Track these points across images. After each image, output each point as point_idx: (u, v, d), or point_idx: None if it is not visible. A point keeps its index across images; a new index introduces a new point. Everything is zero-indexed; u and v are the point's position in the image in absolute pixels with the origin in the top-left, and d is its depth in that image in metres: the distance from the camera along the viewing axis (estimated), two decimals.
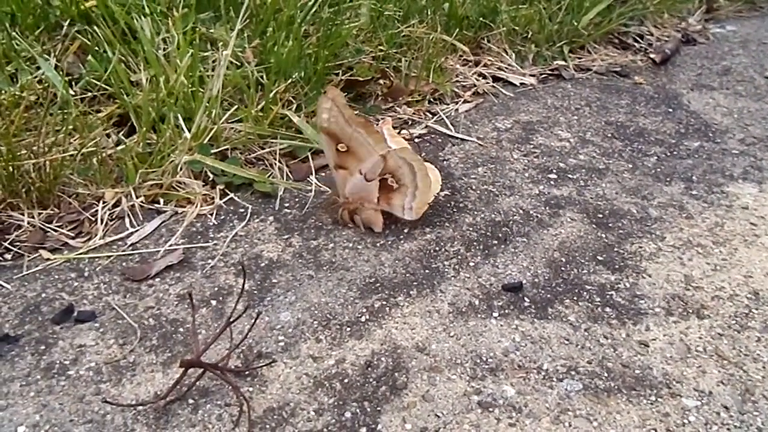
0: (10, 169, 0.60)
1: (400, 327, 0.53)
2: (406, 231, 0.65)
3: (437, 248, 0.62)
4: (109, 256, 0.60)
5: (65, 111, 0.67)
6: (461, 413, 0.46)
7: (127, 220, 0.64)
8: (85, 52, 0.77)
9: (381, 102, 0.89)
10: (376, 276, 0.58)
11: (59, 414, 0.44)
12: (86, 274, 0.58)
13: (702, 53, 1.22)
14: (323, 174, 0.73)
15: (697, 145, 0.85)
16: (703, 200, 0.73)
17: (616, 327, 0.54)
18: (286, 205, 0.68)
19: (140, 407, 0.45)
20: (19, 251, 0.59)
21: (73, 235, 0.62)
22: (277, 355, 0.50)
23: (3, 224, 0.61)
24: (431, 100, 0.92)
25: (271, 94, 0.76)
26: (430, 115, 0.89)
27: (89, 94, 0.74)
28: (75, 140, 0.67)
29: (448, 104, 0.92)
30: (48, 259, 0.59)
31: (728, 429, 0.45)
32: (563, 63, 1.07)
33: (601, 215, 0.69)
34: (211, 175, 0.69)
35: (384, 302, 0.55)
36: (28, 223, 0.61)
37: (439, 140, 0.83)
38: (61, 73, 0.72)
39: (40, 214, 0.62)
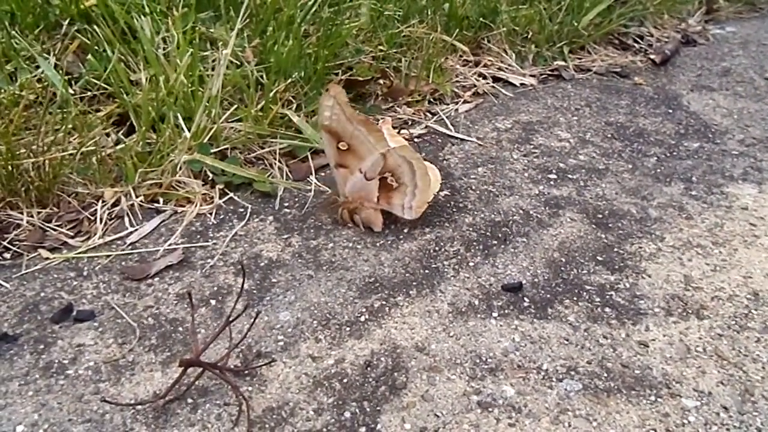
0: (10, 168, 0.60)
1: (400, 327, 0.53)
2: (405, 231, 0.65)
3: (437, 248, 0.62)
4: (108, 256, 0.59)
5: (65, 110, 0.67)
6: (461, 413, 0.45)
7: (126, 219, 0.64)
8: (84, 51, 0.77)
9: (381, 102, 0.89)
10: (375, 276, 0.58)
11: (58, 413, 0.44)
12: (85, 273, 0.57)
13: (702, 54, 1.22)
14: (323, 174, 0.73)
15: (696, 146, 0.85)
16: (702, 201, 0.73)
17: (616, 327, 0.54)
18: (286, 204, 0.68)
19: (139, 406, 0.45)
20: (18, 250, 0.59)
21: (72, 234, 0.62)
22: (276, 354, 0.50)
23: (2, 223, 0.61)
24: (431, 100, 0.92)
25: (271, 94, 0.76)
26: (430, 115, 0.89)
27: (89, 93, 0.74)
28: (74, 139, 0.67)
29: (447, 104, 0.92)
30: (47, 258, 0.58)
31: (728, 429, 0.45)
32: (563, 63, 1.07)
33: (600, 215, 0.69)
34: (211, 175, 0.69)
35: (383, 302, 0.55)
36: (28, 222, 0.61)
37: (439, 140, 0.83)
38: (60, 72, 0.72)
39: (39, 213, 0.62)
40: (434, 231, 0.65)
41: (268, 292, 0.56)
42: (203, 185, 0.68)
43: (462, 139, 0.83)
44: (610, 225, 0.67)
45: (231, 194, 0.69)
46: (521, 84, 1.00)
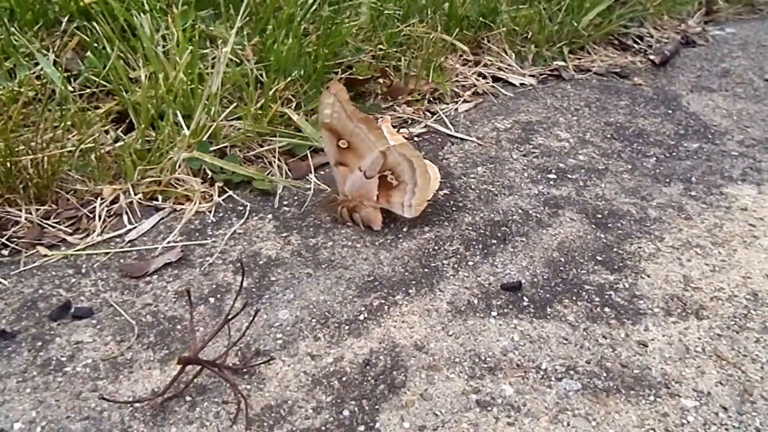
0: (8, 164, 0.60)
1: (399, 326, 0.53)
2: (405, 230, 0.65)
3: (436, 247, 0.62)
4: (106, 253, 0.59)
5: (64, 107, 0.67)
6: (460, 412, 0.45)
7: (125, 216, 0.63)
8: (84, 48, 0.77)
9: (380, 101, 0.89)
10: (374, 274, 0.58)
11: (56, 410, 0.44)
12: (84, 270, 0.57)
13: (701, 55, 1.22)
14: (322, 172, 0.73)
15: (696, 147, 0.86)
16: (702, 201, 0.73)
17: (615, 327, 0.54)
18: (285, 203, 0.68)
19: (137, 404, 0.45)
20: (16, 247, 0.59)
21: (70, 231, 0.61)
22: (275, 352, 0.50)
23: (1, 220, 0.61)
24: (431, 99, 0.92)
25: (271, 92, 0.75)
26: (430, 115, 0.89)
27: (88, 90, 0.74)
28: (73, 136, 0.67)
29: (447, 104, 0.92)
30: (45, 256, 0.58)
31: (727, 429, 0.45)
32: (563, 63, 1.07)
33: (600, 215, 0.69)
34: (210, 173, 0.69)
35: (383, 301, 0.55)
36: (26, 219, 0.61)
37: (439, 140, 0.83)
38: (59, 69, 0.72)
39: (37, 210, 0.62)
40: (434, 230, 0.65)
41: (267, 290, 0.56)
42: (202, 183, 0.68)
43: (462, 139, 0.83)
44: (609, 225, 0.67)
45: (230, 192, 0.68)
46: (521, 84, 1.00)
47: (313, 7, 0.86)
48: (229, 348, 0.47)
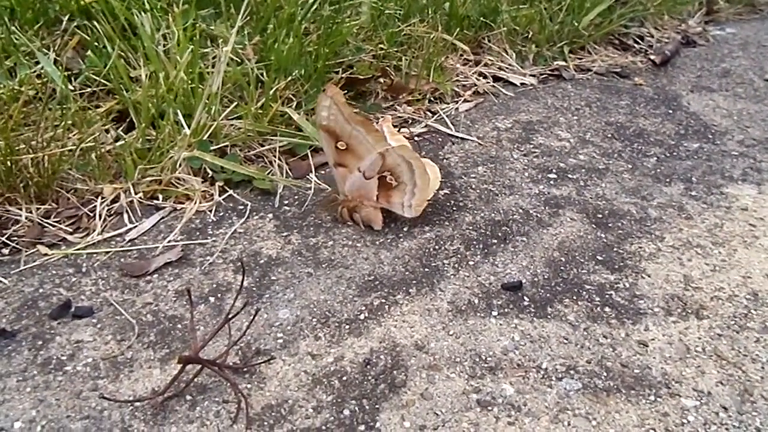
0: (9, 163, 0.60)
1: (399, 325, 0.53)
2: (405, 229, 0.65)
3: (437, 247, 0.62)
4: (107, 252, 0.59)
5: (64, 106, 0.67)
6: (460, 412, 0.45)
7: (125, 215, 0.63)
8: (84, 47, 0.77)
9: (381, 100, 0.89)
10: (375, 274, 0.58)
11: (56, 410, 0.44)
12: (84, 269, 0.57)
13: (702, 55, 1.22)
14: (323, 172, 0.73)
15: (696, 147, 0.86)
16: (702, 201, 0.73)
17: (616, 327, 0.54)
18: (286, 202, 0.68)
19: (137, 403, 0.45)
20: (16, 246, 0.59)
21: (71, 230, 0.61)
22: (275, 352, 0.50)
23: (1, 219, 0.61)
24: (431, 99, 0.92)
25: (271, 92, 0.75)
26: (430, 114, 0.89)
27: (88, 89, 0.74)
28: (74, 135, 0.67)
29: (448, 103, 0.92)
30: (46, 255, 0.58)
31: (727, 429, 0.45)
32: (563, 63, 1.07)
33: (600, 215, 0.69)
34: (210, 172, 0.69)
35: (383, 300, 0.55)
36: (26, 218, 0.61)
37: (439, 139, 0.83)
38: (60, 68, 0.72)
39: (38, 209, 0.62)
40: (434, 230, 0.65)
41: (268, 289, 0.56)
42: (203, 182, 0.68)
43: (462, 138, 0.83)
44: (609, 225, 0.67)
45: (230, 191, 0.68)
46: (521, 84, 1.00)
47: (314, 7, 0.86)
48: (229, 347, 0.47)
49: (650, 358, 0.51)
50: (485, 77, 1.00)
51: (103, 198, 0.64)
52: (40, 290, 0.55)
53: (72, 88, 0.71)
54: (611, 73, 1.09)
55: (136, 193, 0.65)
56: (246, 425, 0.43)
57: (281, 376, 0.48)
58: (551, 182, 0.75)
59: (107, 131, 0.71)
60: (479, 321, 0.54)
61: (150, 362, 0.48)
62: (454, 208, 0.68)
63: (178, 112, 0.71)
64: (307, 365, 0.49)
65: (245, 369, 0.48)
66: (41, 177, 0.62)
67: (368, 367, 0.49)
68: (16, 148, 0.61)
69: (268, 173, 0.71)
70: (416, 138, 0.82)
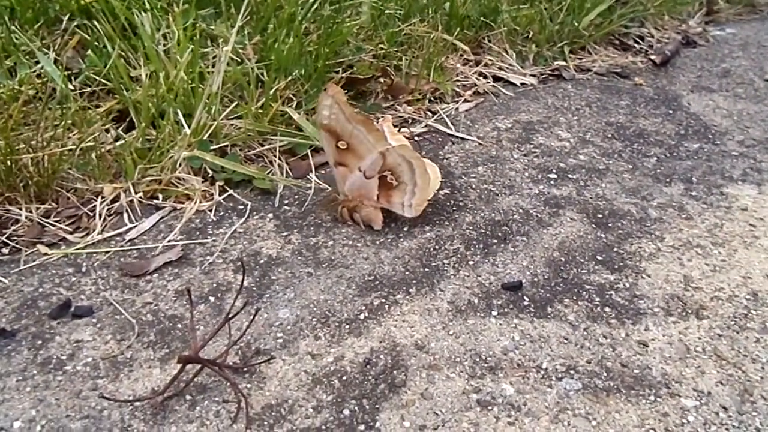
0: (9, 163, 0.60)
1: (399, 325, 0.53)
2: (405, 229, 0.65)
3: (437, 246, 0.62)
4: (107, 252, 0.59)
5: (64, 106, 0.67)
6: (460, 411, 0.45)
7: (125, 215, 0.63)
8: (84, 47, 0.77)
9: (381, 100, 0.89)
10: (375, 274, 0.58)
11: (56, 409, 0.44)
12: (84, 269, 0.57)
13: (702, 55, 1.22)
14: (323, 171, 0.73)
15: (696, 147, 0.86)
16: (702, 201, 0.73)
17: (616, 327, 0.54)
18: (286, 202, 0.68)
19: (137, 403, 0.45)
20: (16, 246, 0.59)
21: (71, 230, 0.61)
22: (275, 351, 0.50)
23: (1, 218, 0.61)
24: (431, 99, 0.92)
25: (272, 91, 0.75)
26: (431, 114, 0.89)
27: (88, 89, 0.74)
28: (74, 135, 0.67)
29: (448, 103, 0.92)
30: (45, 254, 0.58)
31: (727, 429, 0.45)
32: (564, 63, 1.07)
33: (600, 215, 0.69)
34: (211, 172, 0.69)
35: (383, 300, 0.55)
36: (26, 217, 0.61)
37: (440, 139, 0.83)
38: (60, 67, 0.72)
39: (38, 208, 0.62)
40: (434, 229, 0.65)
41: (268, 289, 0.56)
42: (203, 182, 0.68)
43: (462, 138, 0.83)
44: (610, 225, 0.67)
45: (231, 191, 0.68)
46: (522, 84, 1.00)
47: (314, 7, 0.86)
48: (229, 347, 0.47)
49: (650, 358, 0.51)
50: (485, 77, 1.00)
51: (103, 198, 0.64)
52: (40, 290, 0.55)
53: (72, 88, 0.71)
54: (611, 74, 1.09)
55: (136, 193, 0.65)
56: (246, 425, 0.43)
57: (281, 376, 0.48)
58: (551, 182, 0.75)
59: (107, 131, 0.71)
60: (479, 321, 0.54)
61: (150, 362, 0.48)
62: (454, 208, 0.68)
63: (179, 111, 0.71)
64: (307, 365, 0.49)
65: (245, 369, 0.48)
66: (41, 176, 0.62)
67: (368, 366, 0.49)
68: (16, 147, 0.61)
69: (269, 173, 0.71)
70: (416, 138, 0.82)
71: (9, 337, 0.50)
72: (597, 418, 0.45)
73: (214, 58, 0.78)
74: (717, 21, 1.43)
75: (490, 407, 0.46)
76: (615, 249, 0.64)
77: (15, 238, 0.59)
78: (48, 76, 0.70)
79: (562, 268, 0.61)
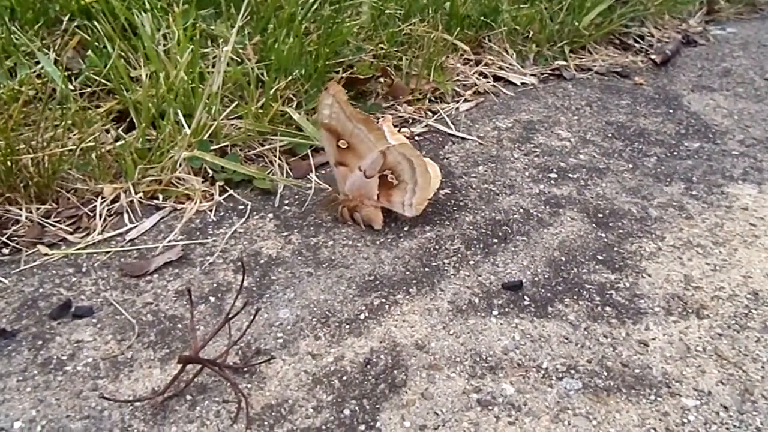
0: (9, 163, 0.60)
1: (400, 325, 0.53)
2: (405, 229, 0.65)
3: (437, 246, 0.62)
4: (107, 252, 0.59)
5: (64, 106, 0.67)
6: (460, 411, 0.45)
7: (125, 215, 0.63)
8: (84, 47, 0.77)
9: (381, 100, 0.89)
10: (375, 274, 0.58)
11: (56, 409, 0.44)
12: (84, 269, 0.57)
13: (702, 55, 1.22)
14: (323, 171, 0.73)
15: (697, 146, 0.85)
16: (703, 201, 0.73)
17: (616, 326, 0.54)
18: (286, 202, 0.68)
19: (138, 403, 0.45)
20: (16, 246, 0.59)
21: (71, 230, 0.61)
22: (275, 351, 0.50)
23: (1, 219, 0.61)
24: (432, 98, 0.92)
25: (272, 91, 0.75)
26: (431, 114, 0.89)
27: (89, 89, 0.74)
28: (74, 135, 0.67)
29: (448, 103, 0.92)
30: (46, 254, 0.58)
31: (727, 429, 0.45)
32: (564, 63, 1.07)
33: (601, 215, 0.69)
34: (211, 172, 0.69)
35: (383, 300, 0.55)
36: (26, 218, 0.61)
37: (440, 139, 0.83)
38: (60, 68, 0.72)
39: (38, 209, 0.62)
40: (434, 229, 0.65)
41: (268, 289, 0.56)
42: (203, 182, 0.68)
43: (463, 138, 0.83)
44: (610, 224, 0.67)
45: (231, 191, 0.68)
46: (522, 83, 1.00)
47: (314, 7, 0.86)
48: (229, 347, 0.47)
49: (651, 358, 0.51)
50: (486, 77, 1.00)
51: (103, 198, 0.64)
52: (40, 290, 0.55)
53: (72, 88, 0.71)
54: (612, 73, 1.08)
55: (136, 193, 0.65)
56: (246, 425, 0.43)
57: (281, 376, 0.48)
58: (552, 182, 0.75)
59: (107, 131, 0.71)
60: (480, 320, 0.54)
61: (150, 362, 0.48)
62: (455, 208, 0.68)
63: (179, 111, 0.71)
64: (307, 365, 0.49)
65: (245, 369, 0.48)
66: (41, 177, 0.62)
67: (368, 366, 0.49)
68: (16, 147, 0.61)
69: (269, 173, 0.71)
70: (417, 137, 0.82)
71: (9, 337, 0.50)
72: (597, 418, 0.45)
73: (214, 58, 0.78)
74: (717, 20, 1.43)
75: (490, 407, 0.46)
76: (615, 248, 0.64)
77: (15, 238, 0.60)
78: (48, 76, 0.70)
79: (562, 267, 0.60)
